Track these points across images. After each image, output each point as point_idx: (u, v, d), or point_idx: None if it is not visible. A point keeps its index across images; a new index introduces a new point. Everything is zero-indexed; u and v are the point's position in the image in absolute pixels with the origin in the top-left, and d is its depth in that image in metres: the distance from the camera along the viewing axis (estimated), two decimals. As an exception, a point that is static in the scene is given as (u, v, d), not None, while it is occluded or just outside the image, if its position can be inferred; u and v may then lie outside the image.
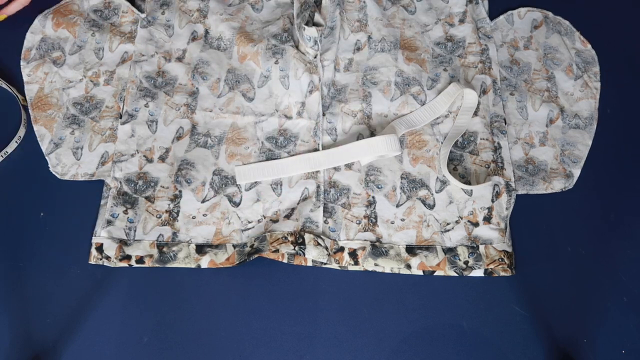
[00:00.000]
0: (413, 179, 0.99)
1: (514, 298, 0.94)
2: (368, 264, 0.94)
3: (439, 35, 1.11)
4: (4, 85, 1.05)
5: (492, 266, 0.93)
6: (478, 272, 0.94)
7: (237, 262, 0.93)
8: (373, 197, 0.98)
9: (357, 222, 0.96)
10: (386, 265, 0.93)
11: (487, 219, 0.96)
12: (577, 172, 1.02)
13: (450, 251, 0.95)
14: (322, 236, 0.94)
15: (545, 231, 0.99)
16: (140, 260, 0.93)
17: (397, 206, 0.97)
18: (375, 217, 0.96)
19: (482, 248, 0.95)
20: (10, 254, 0.95)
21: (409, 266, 0.94)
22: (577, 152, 1.03)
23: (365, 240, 0.95)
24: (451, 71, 1.08)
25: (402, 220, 0.96)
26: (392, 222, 0.96)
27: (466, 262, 0.94)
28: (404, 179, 0.99)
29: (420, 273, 0.94)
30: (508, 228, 0.97)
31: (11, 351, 0.89)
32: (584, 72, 1.10)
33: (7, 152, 1.01)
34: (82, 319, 0.91)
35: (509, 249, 0.95)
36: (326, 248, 0.93)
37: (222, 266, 0.93)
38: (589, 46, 1.13)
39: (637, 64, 1.13)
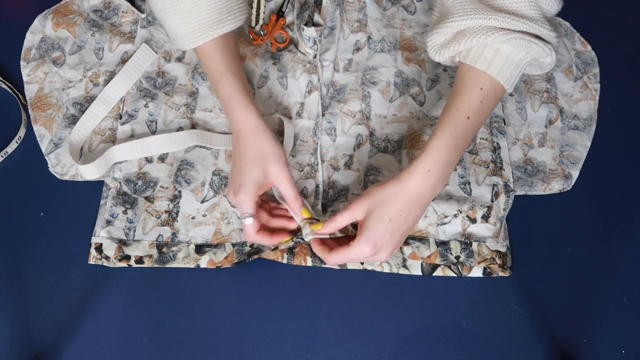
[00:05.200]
0: None
1: (513, 298, 0.94)
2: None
3: (439, 36, 1.11)
4: (4, 85, 1.05)
5: (483, 264, 0.94)
6: (477, 272, 0.94)
7: (237, 261, 0.93)
8: None
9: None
10: None
11: (485, 218, 0.96)
12: (575, 174, 1.02)
13: (443, 244, 0.95)
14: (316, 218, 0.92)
15: (545, 231, 0.99)
16: (139, 260, 0.93)
17: None
18: None
19: (475, 245, 0.95)
20: (10, 254, 0.95)
21: (403, 260, 0.94)
22: (576, 154, 1.03)
23: None
24: (451, 71, 1.08)
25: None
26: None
27: (457, 257, 0.94)
28: None
29: (420, 273, 0.94)
30: (505, 229, 0.97)
31: (11, 351, 0.89)
32: (584, 73, 1.10)
33: (7, 152, 1.01)
34: (82, 319, 0.91)
35: (502, 249, 0.95)
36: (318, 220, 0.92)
37: (220, 265, 0.93)
38: (589, 47, 1.13)
39: (637, 64, 1.13)
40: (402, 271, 0.94)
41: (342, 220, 0.85)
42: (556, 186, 1.01)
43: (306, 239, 0.89)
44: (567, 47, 1.12)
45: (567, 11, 0.87)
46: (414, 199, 0.83)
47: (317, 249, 0.87)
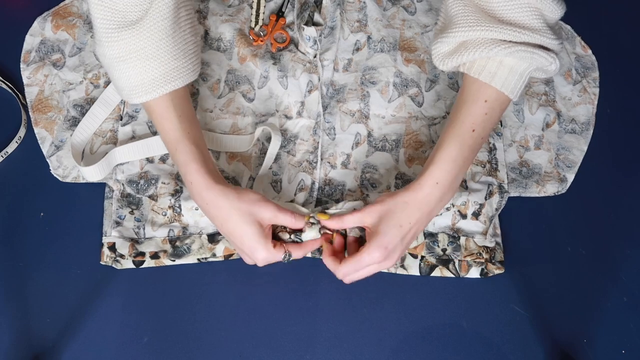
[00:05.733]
0: (408, 179, 0.99)
1: (513, 298, 0.94)
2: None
3: (439, 37, 1.11)
4: (4, 85, 1.06)
5: (469, 258, 0.94)
6: (474, 274, 0.95)
7: None
8: (367, 195, 0.97)
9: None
10: None
11: (476, 215, 0.96)
12: (571, 177, 1.02)
13: (431, 236, 0.95)
14: (313, 215, 0.92)
15: (545, 231, 0.99)
16: (155, 255, 0.94)
17: None
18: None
19: (462, 240, 0.95)
20: (10, 254, 0.95)
21: (401, 259, 0.95)
22: (572, 157, 1.03)
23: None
24: (450, 72, 1.08)
25: None
26: None
27: (444, 250, 0.94)
28: (398, 179, 0.99)
29: (417, 274, 0.95)
30: (494, 227, 0.97)
31: (11, 351, 0.89)
32: (583, 77, 1.10)
33: (7, 152, 1.01)
34: (82, 319, 0.91)
35: (490, 245, 0.95)
36: (319, 222, 0.91)
37: (235, 251, 0.94)
38: (589, 52, 1.13)
39: (637, 69, 1.13)
40: (400, 271, 0.94)
41: (349, 220, 0.85)
42: (551, 189, 1.01)
43: (304, 239, 0.89)
44: (567, 51, 1.12)
45: (569, 15, 0.87)
46: (423, 208, 0.84)
47: (328, 261, 0.86)
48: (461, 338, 0.92)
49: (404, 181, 0.99)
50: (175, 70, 0.86)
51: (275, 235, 0.89)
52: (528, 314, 0.93)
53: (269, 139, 1.02)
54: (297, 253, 0.87)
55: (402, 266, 0.94)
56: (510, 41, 0.80)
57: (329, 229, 0.88)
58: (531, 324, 0.93)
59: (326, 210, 0.90)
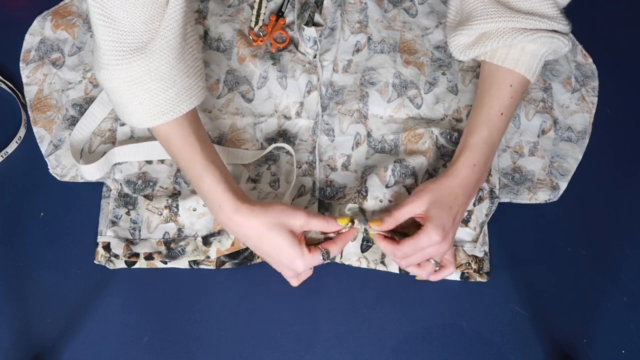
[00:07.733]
0: (407, 163, 0.97)
1: (513, 298, 0.94)
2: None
3: (439, 39, 1.11)
4: (4, 85, 1.05)
5: (458, 270, 0.94)
6: (454, 277, 0.95)
7: (244, 247, 0.93)
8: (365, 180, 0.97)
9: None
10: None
11: (465, 222, 0.96)
12: (563, 185, 1.02)
13: None
14: (354, 219, 0.90)
15: (545, 231, 0.99)
16: (149, 256, 0.93)
17: (387, 187, 0.96)
18: (366, 191, 0.94)
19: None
20: (10, 254, 0.95)
21: (382, 256, 0.95)
22: (566, 165, 1.03)
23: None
24: (449, 75, 1.08)
25: (390, 201, 0.95)
26: (381, 201, 0.94)
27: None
28: (396, 163, 0.98)
29: (397, 272, 0.95)
30: (484, 235, 0.97)
31: (11, 351, 0.89)
32: (582, 85, 1.09)
33: (7, 152, 1.01)
34: (82, 319, 0.91)
35: (479, 254, 0.95)
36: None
37: (227, 252, 0.93)
38: (590, 60, 1.12)
39: (636, 69, 1.13)
40: (380, 267, 0.95)
41: (401, 215, 0.86)
42: (542, 196, 1.01)
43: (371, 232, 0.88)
44: (567, 59, 1.12)
45: (571, 21, 0.88)
46: (466, 190, 0.88)
47: (384, 245, 0.87)
48: (461, 338, 0.92)
49: (402, 165, 0.97)
50: (189, 88, 0.84)
51: (308, 238, 0.88)
52: (528, 314, 0.93)
53: (267, 139, 1.02)
54: (333, 249, 0.86)
55: (382, 262, 0.95)
56: (531, 29, 0.86)
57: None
58: (531, 324, 0.93)
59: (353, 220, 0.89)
